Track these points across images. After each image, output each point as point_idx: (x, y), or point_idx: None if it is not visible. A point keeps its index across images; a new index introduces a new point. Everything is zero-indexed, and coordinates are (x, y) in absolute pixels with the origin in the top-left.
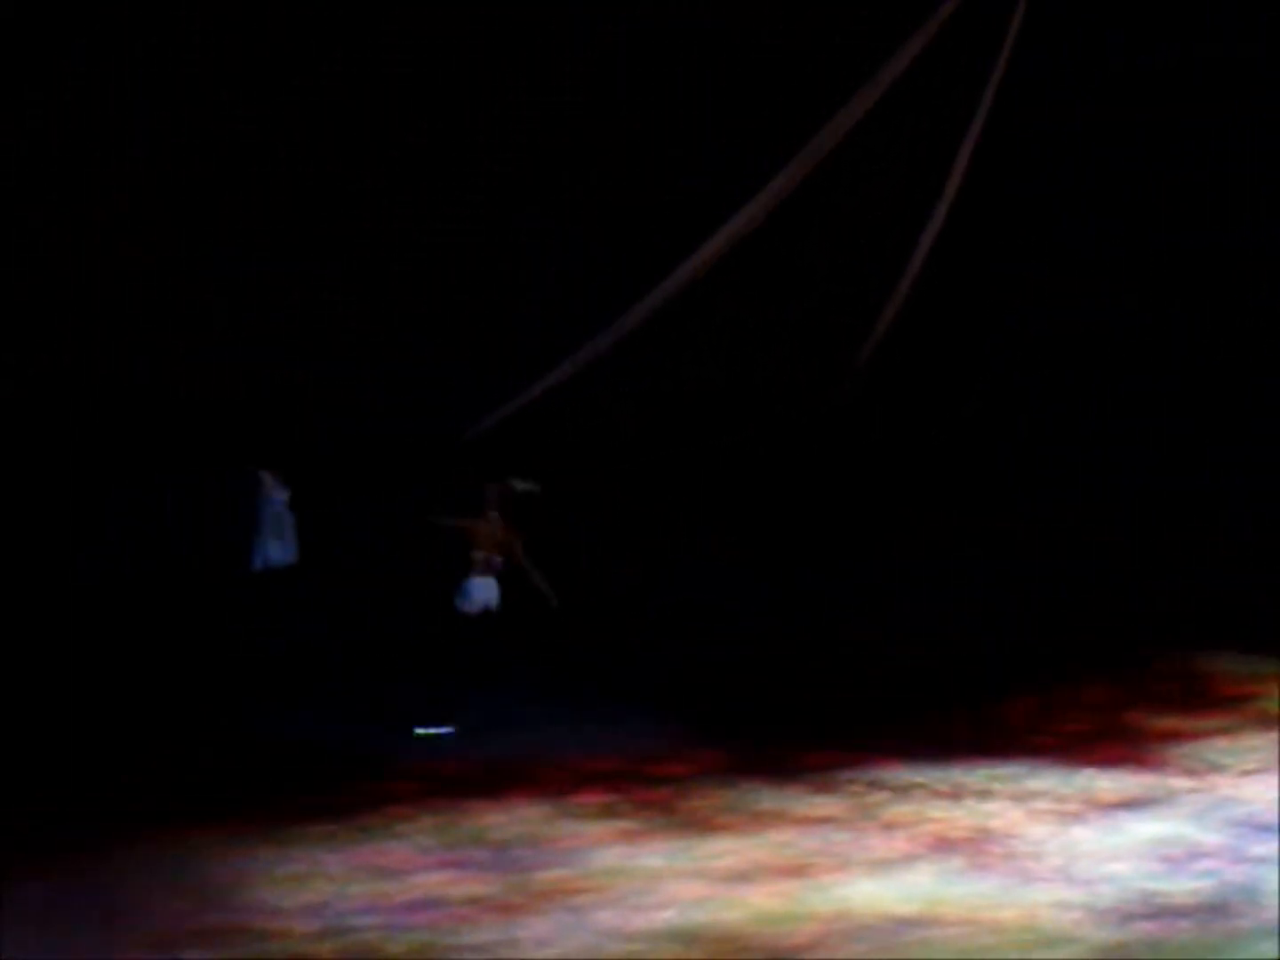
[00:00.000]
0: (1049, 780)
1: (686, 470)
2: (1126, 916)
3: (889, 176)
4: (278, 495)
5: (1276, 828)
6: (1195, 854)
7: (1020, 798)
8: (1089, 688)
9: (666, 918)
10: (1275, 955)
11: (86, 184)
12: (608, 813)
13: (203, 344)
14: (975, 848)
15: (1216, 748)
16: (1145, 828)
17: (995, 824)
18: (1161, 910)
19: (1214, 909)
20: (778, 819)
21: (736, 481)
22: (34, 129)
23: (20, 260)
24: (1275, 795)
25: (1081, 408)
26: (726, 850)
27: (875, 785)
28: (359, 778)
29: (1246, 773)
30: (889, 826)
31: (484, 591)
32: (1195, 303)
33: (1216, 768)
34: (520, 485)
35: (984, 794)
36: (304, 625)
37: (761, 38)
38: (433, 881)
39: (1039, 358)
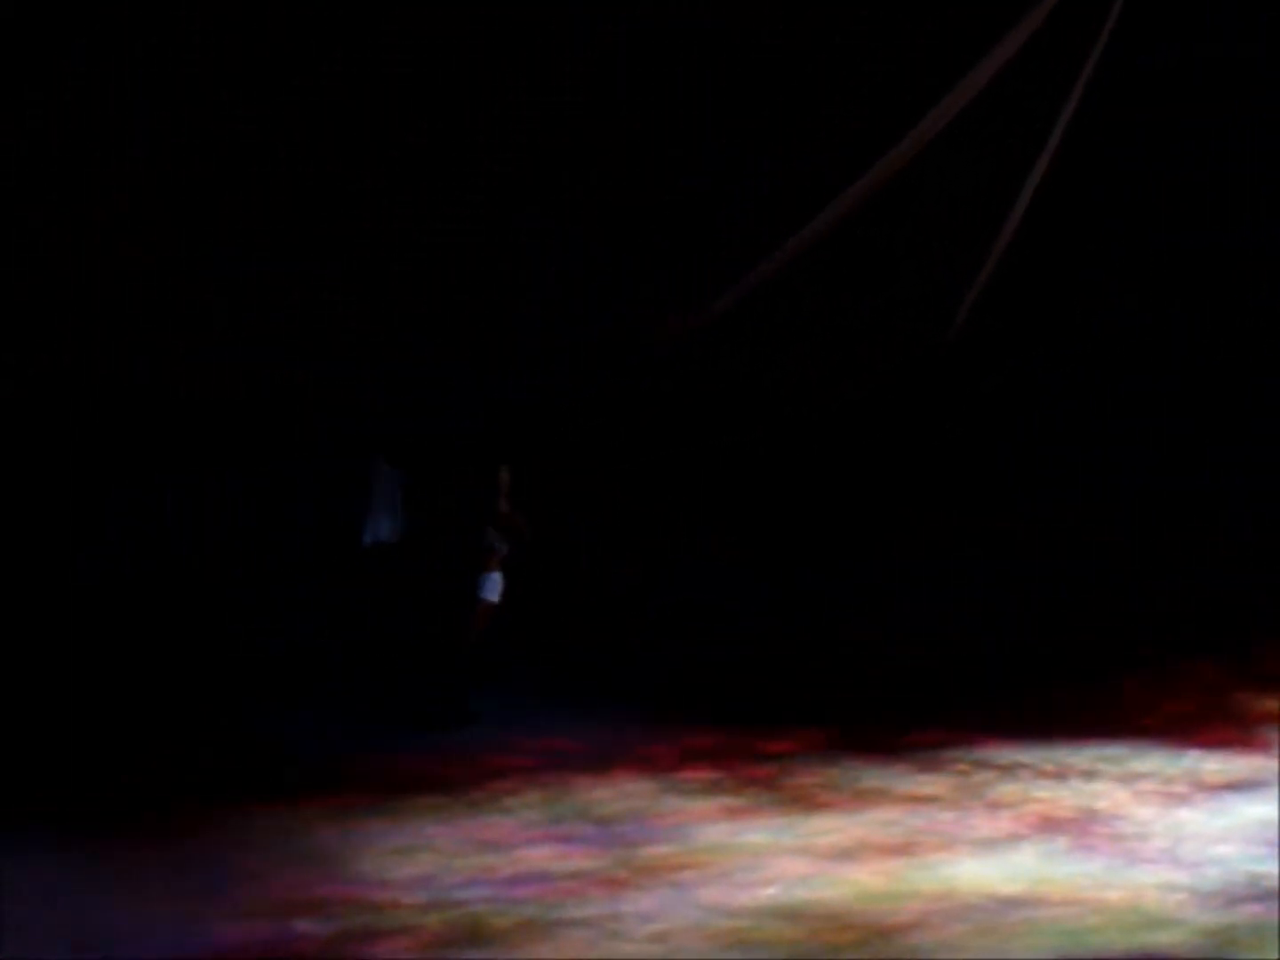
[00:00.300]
0: (1155, 761)
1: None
2: (1232, 899)
3: (970, 176)
4: (390, 471)
5: None
6: None
7: (1126, 779)
8: (1196, 669)
9: (770, 894)
10: None
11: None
12: (713, 789)
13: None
14: (1080, 828)
15: None
16: (1252, 810)
17: (1101, 804)
18: (1268, 893)
19: None
20: (882, 797)
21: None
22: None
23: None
24: None
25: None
26: (830, 828)
27: (980, 764)
28: (467, 753)
29: None
30: (994, 806)
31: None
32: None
33: None
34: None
35: (1090, 774)
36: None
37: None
38: (539, 856)
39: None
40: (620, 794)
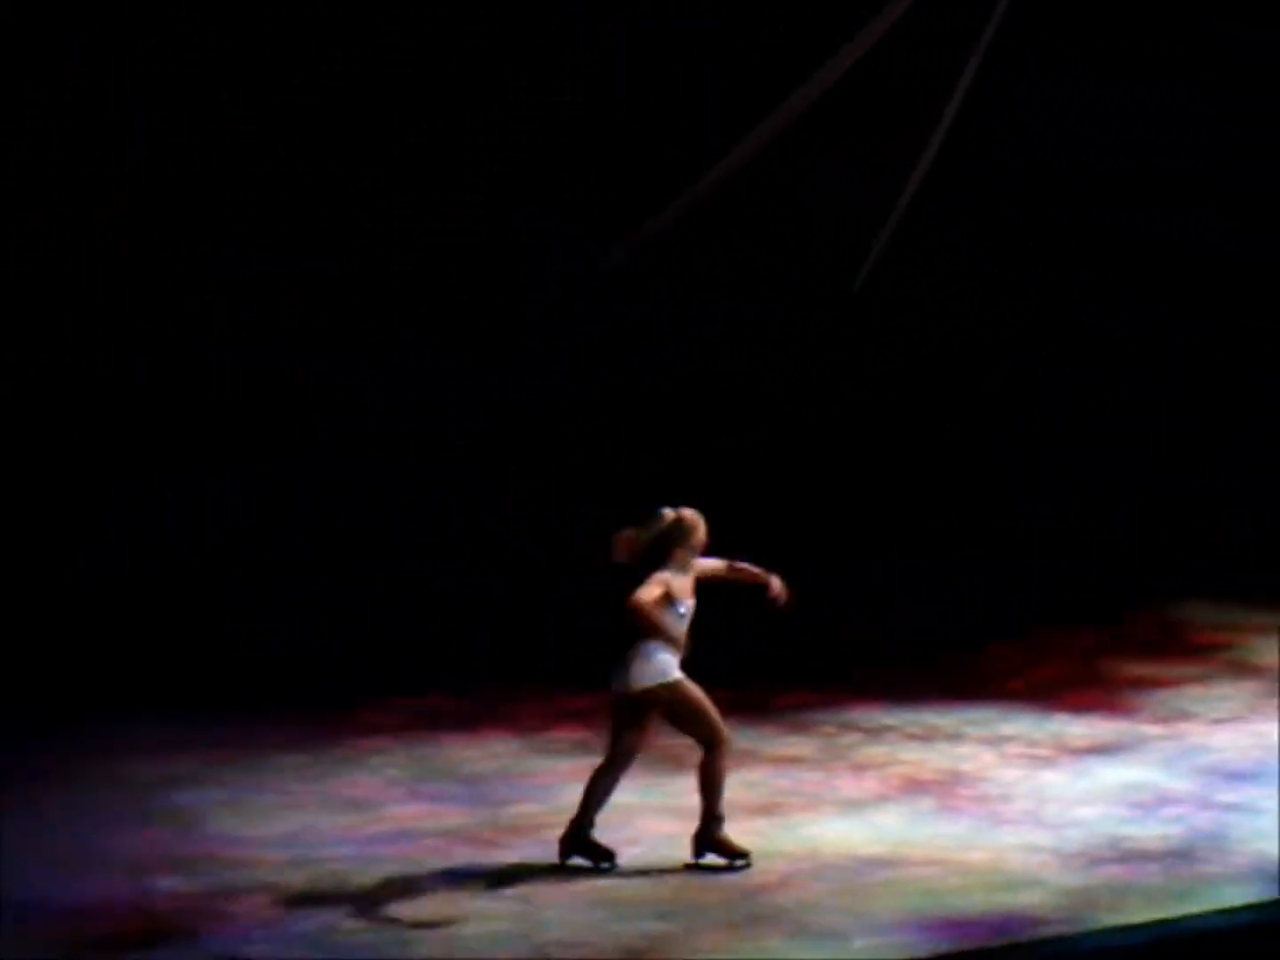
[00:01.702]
0: (1021, 725)
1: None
2: (1094, 860)
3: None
4: None
5: (1245, 776)
6: (1164, 800)
7: (992, 741)
8: (1064, 634)
9: (636, 853)
10: (1240, 901)
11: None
12: (581, 749)
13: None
14: (945, 790)
15: (1189, 695)
16: (1115, 773)
17: (966, 767)
18: (1129, 855)
19: (1181, 855)
20: (749, 758)
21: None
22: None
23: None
24: (1245, 743)
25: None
26: (697, 787)
27: (847, 726)
28: (332, 709)
29: (1217, 721)
30: (860, 767)
31: None
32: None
33: (1188, 715)
34: None
35: (956, 737)
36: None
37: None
38: (404, 814)
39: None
40: (488, 753)
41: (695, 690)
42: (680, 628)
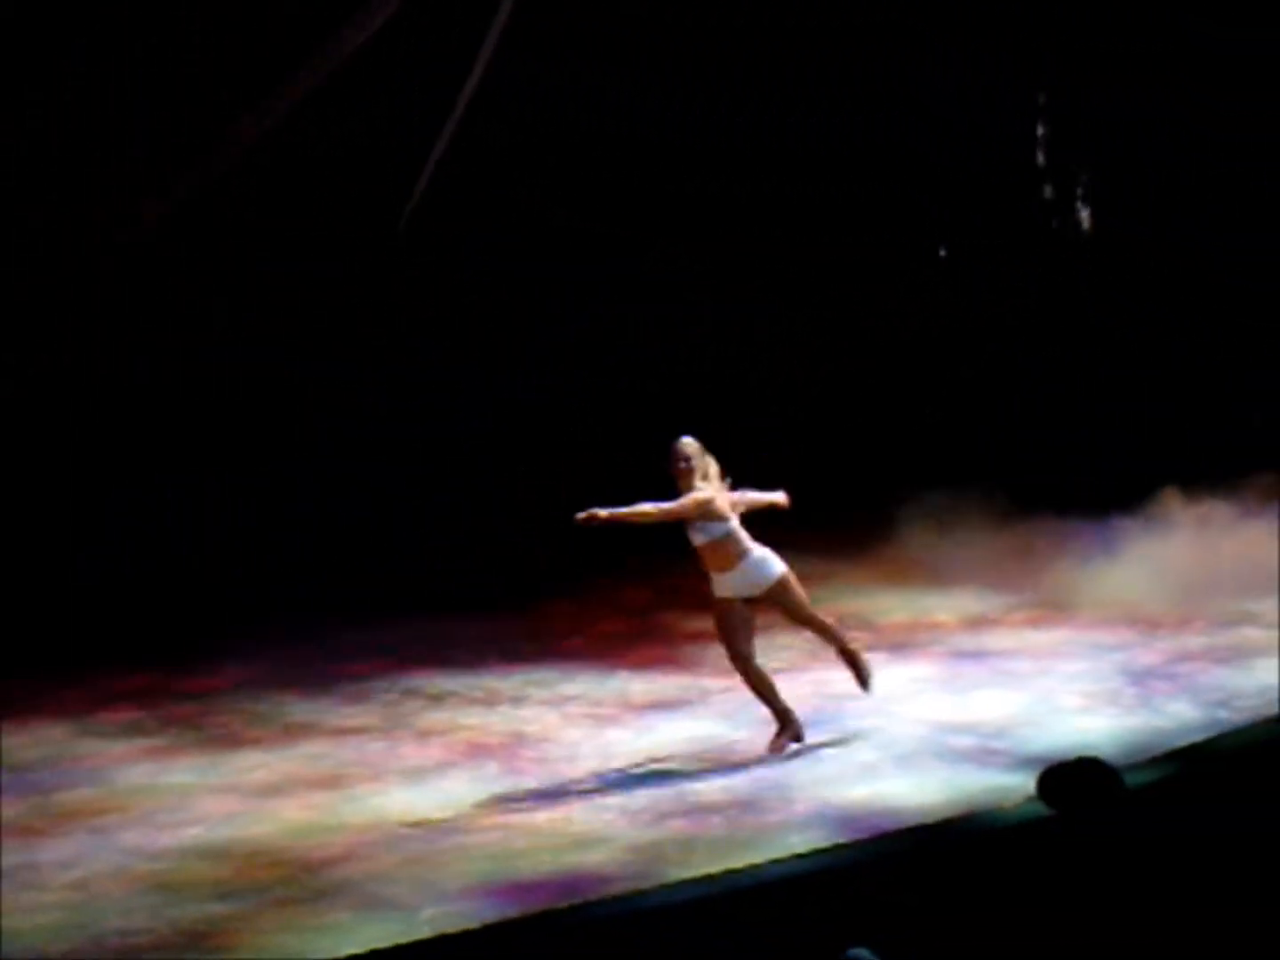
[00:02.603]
0: (583, 684)
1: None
2: (660, 815)
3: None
4: None
5: (805, 724)
6: (728, 752)
7: (555, 702)
8: (623, 590)
9: (194, 834)
10: (804, 848)
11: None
12: (134, 730)
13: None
14: (509, 753)
15: None
16: (679, 728)
17: (530, 729)
18: (694, 808)
19: (745, 805)
20: (310, 731)
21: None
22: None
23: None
24: (804, 692)
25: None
26: (257, 764)
27: (409, 694)
28: None
29: (777, 670)
30: (423, 734)
31: None
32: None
33: None
34: None
35: (518, 699)
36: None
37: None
38: None
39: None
40: (34, 739)
41: None
42: None
